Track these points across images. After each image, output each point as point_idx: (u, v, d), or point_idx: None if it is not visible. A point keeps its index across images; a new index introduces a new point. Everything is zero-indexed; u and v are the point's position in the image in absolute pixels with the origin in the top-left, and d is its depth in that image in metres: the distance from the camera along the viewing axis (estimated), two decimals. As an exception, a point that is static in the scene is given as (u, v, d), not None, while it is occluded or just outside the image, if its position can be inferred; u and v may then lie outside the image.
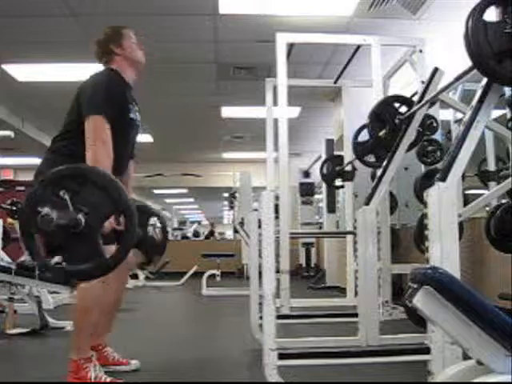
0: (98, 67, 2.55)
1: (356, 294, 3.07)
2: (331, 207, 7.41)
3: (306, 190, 9.29)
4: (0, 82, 6.21)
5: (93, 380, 2.20)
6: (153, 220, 2.57)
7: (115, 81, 2.43)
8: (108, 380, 2.24)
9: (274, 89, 4.63)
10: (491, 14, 1.75)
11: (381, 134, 3.00)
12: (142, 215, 2.51)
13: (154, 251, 2.60)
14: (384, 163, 2.92)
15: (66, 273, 1.73)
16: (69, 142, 2.36)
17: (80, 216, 1.62)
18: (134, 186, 2.83)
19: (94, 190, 1.67)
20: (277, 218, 2.66)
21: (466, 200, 3.72)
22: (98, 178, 1.69)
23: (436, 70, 2.75)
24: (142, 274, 7.57)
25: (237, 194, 9.79)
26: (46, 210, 1.60)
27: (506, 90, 3.20)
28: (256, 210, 2.93)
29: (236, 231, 8.81)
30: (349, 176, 5.20)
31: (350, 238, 5.06)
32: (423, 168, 4.24)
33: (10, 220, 6.02)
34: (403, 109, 3.02)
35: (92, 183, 1.67)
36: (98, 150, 2.21)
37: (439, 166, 3.72)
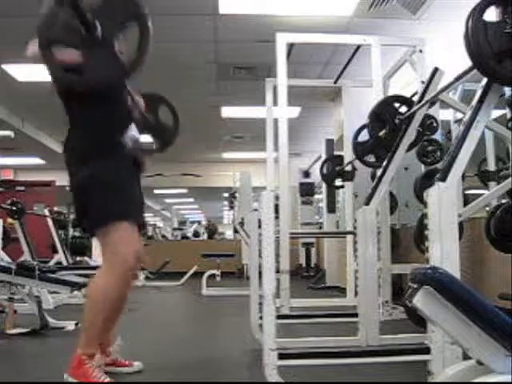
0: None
1: (356, 293, 3.07)
2: (331, 207, 7.41)
3: (306, 190, 9.28)
4: (0, 81, 6.22)
5: (91, 378, 2.19)
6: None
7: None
8: (106, 380, 2.23)
9: (274, 89, 4.63)
10: (491, 14, 1.75)
11: (381, 134, 3.00)
12: (152, 103, 2.57)
13: (168, 135, 2.65)
14: (384, 163, 2.92)
15: (83, 78, 1.77)
16: (82, 115, 2.31)
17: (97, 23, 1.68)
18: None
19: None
20: (277, 217, 2.66)
21: (466, 200, 3.72)
22: None
23: (436, 69, 2.75)
24: (141, 274, 7.57)
25: (237, 194, 9.80)
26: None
27: (506, 90, 3.20)
28: (256, 210, 2.93)
29: (236, 231, 8.81)
30: (349, 176, 5.20)
31: (350, 238, 5.06)
32: (423, 168, 4.24)
33: (9, 220, 6.03)
34: (403, 109, 3.02)
35: None
36: None
37: (439, 166, 3.72)
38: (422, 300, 1.12)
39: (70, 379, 2.21)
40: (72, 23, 1.67)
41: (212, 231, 16.71)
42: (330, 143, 7.39)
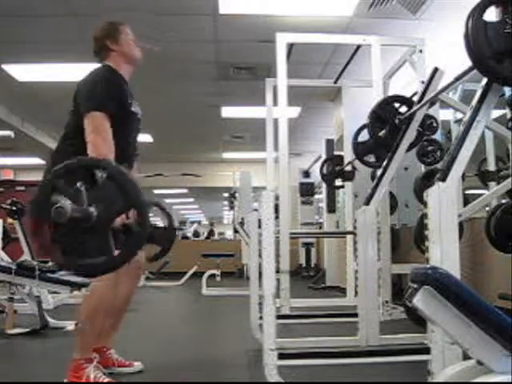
0: (98, 67, 2.55)
1: (356, 294, 3.07)
2: (331, 207, 7.41)
3: (306, 190, 9.29)
4: (0, 82, 6.22)
5: (91, 380, 2.19)
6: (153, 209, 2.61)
7: (112, 76, 2.42)
8: (106, 380, 2.23)
9: (274, 89, 4.63)
10: (491, 14, 1.75)
11: (381, 134, 3.00)
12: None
13: (166, 239, 2.64)
14: (384, 163, 2.92)
15: (73, 266, 1.73)
16: (73, 142, 2.34)
17: (92, 209, 1.60)
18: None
19: (108, 184, 1.65)
20: (277, 217, 2.66)
21: (466, 200, 3.72)
22: (113, 172, 1.65)
23: (436, 69, 2.75)
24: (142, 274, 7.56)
25: (237, 194, 9.79)
26: (61, 201, 1.58)
27: (506, 90, 3.19)
28: (256, 210, 2.93)
29: (236, 231, 8.81)
30: (349, 176, 5.19)
31: (350, 238, 5.06)
32: (423, 168, 4.24)
33: (9, 220, 6.02)
34: (403, 109, 3.02)
35: (107, 177, 1.66)
36: (98, 145, 2.20)
37: (439, 166, 3.72)
38: (422, 300, 1.12)
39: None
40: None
41: (211, 230, 16.77)
42: (330, 143, 7.39)
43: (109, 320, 2.42)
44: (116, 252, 1.60)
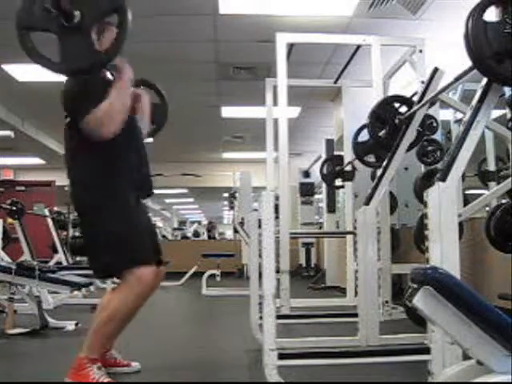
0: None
1: (356, 294, 3.07)
2: (331, 207, 7.41)
3: (306, 190, 9.28)
4: (0, 82, 6.21)
5: (91, 380, 2.19)
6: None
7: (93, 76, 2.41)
8: (106, 380, 2.23)
9: (274, 89, 4.63)
10: (491, 14, 1.75)
11: (381, 134, 3.00)
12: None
13: (158, 115, 2.79)
14: (384, 163, 2.92)
15: (56, 66, 1.83)
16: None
17: (76, 12, 1.70)
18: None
19: None
20: (277, 217, 2.66)
21: (466, 200, 3.72)
22: None
23: (436, 69, 2.75)
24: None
25: (237, 194, 9.79)
26: None
27: (506, 90, 3.20)
28: (256, 210, 2.93)
29: (236, 231, 8.81)
30: (349, 176, 5.20)
31: (349, 238, 5.06)
32: (423, 168, 4.24)
33: (9, 220, 6.03)
34: (403, 109, 3.02)
35: None
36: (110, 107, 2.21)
37: (439, 166, 3.72)
38: (422, 300, 1.12)
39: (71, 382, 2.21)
40: (50, 10, 1.69)
41: (211, 228, 16.78)
42: (330, 143, 7.38)
43: (123, 325, 2.41)
44: None
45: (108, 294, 2.43)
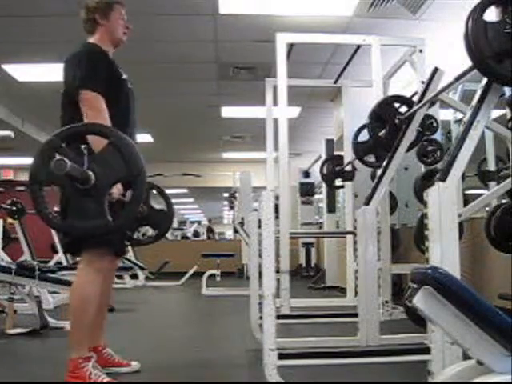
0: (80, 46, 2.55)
1: (356, 294, 3.07)
2: (331, 207, 7.41)
3: (306, 190, 9.28)
4: (0, 82, 6.22)
5: (91, 379, 2.19)
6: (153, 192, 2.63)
7: (95, 51, 2.43)
8: (106, 380, 2.23)
9: (274, 89, 4.62)
10: (491, 14, 1.75)
11: (381, 134, 3.00)
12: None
13: (163, 222, 2.72)
14: (384, 163, 2.92)
15: (67, 227, 1.73)
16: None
17: (91, 173, 1.61)
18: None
19: (111, 151, 1.65)
20: (277, 217, 2.66)
21: (466, 200, 3.72)
22: (116, 140, 1.66)
23: (436, 69, 2.75)
24: (141, 274, 7.57)
25: (237, 194, 9.79)
26: (60, 156, 1.58)
27: (506, 90, 3.19)
28: (256, 210, 2.93)
29: (236, 231, 8.81)
30: (349, 176, 5.19)
31: (350, 238, 5.06)
32: (423, 168, 4.24)
33: (9, 220, 6.03)
34: (403, 109, 3.01)
35: (110, 144, 1.66)
36: (95, 117, 2.21)
37: (439, 166, 3.72)
38: (422, 300, 1.12)
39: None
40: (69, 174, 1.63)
41: (210, 228, 16.80)
42: (330, 143, 7.38)
43: (98, 316, 2.41)
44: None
45: (70, 289, 2.41)
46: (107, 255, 2.37)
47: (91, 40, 2.51)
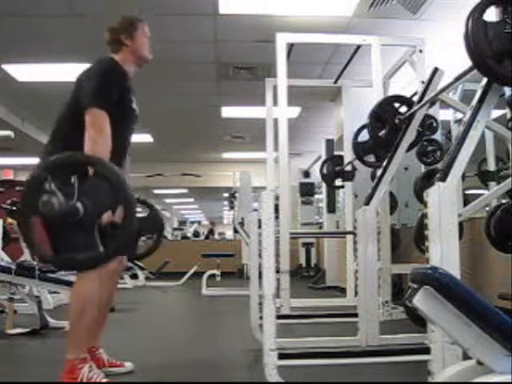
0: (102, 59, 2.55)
1: (356, 294, 3.07)
2: (331, 207, 7.41)
3: (306, 190, 9.29)
4: (0, 81, 6.22)
5: (87, 380, 2.18)
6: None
7: (115, 70, 2.41)
8: (104, 380, 2.23)
9: (274, 89, 4.62)
10: (491, 14, 1.75)
11: (381, 134, 3.00)
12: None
13: (155, 228, 2.73)
14: (384, 163, 2.92)
15: (58, 261, 1.73)
16: (68, 134, 2.33)
17: (79, 205, 1.60)
18: (133, 186, 2.82)
19: (97, 181, 1.65)
20: (277, 217, 2.66)
21: (466, 200, 3.72)
22: (103, 169, 1.66)
23: (436, 69, 2.75)
24: (142, 274, 7.57)
25: (237, 194, 9.79)
26: (47, 195, 1.58)
27: (506, 89, 3.20)
28: (256, 210, 2.93)
29: (236, 231, 8.81)
30: (349, 176, 5.19)
31: (350, 238, 5.06)
32: (423, 168, 4.24)
33: (9, 220, 6.02)
34: (403, 109, 3.01)
35: (96, 173, 1.65)
36: (97, 141, 2.20)
37: (439, 165, 3.72)
38: (422, 300, 1.12)
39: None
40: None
41: (211, 230, 16.79)
42: (330, 143, 7.38)
43: (98, 317, 2.41)
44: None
45: (71, 289, 2.39)
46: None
47: (115, 57, 2.48)
